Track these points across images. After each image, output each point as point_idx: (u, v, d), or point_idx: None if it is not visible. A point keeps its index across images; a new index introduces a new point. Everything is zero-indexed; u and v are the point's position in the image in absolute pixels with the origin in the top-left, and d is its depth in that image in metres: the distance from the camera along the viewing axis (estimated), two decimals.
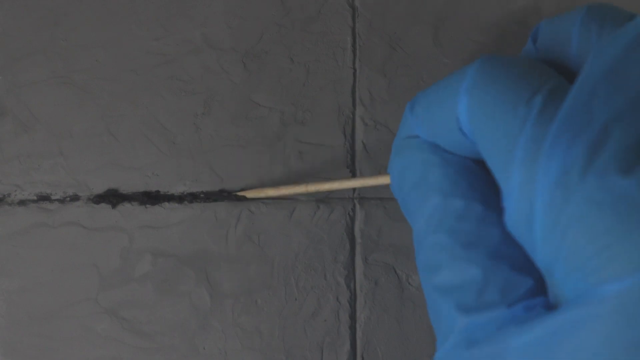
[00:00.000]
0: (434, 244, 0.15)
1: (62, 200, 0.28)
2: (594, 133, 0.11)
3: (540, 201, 0.12)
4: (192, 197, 0.28)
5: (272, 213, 0.27)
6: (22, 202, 0.28)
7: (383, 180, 0.21)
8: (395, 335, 0.26)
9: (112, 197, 0.28)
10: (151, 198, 0.28)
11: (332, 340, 0.26)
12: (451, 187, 0.16)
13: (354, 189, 0.27)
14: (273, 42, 0.29)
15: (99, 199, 0.28)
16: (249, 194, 0.27)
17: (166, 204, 0.27)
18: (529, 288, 0.13)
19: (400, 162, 0.18)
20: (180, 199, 0.28)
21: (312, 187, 0.24)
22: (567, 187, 0.11)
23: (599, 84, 0.12)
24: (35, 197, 0.28)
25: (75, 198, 0.28)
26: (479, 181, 0.16)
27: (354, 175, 0.28)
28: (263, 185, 0.27)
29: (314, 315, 0.27)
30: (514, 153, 0.13)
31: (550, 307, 0.13)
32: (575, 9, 0.16)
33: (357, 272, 0.27)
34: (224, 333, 0.26)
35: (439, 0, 0.29)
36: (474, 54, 0.28)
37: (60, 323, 0.27)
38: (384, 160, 0.28)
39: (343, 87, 0.28)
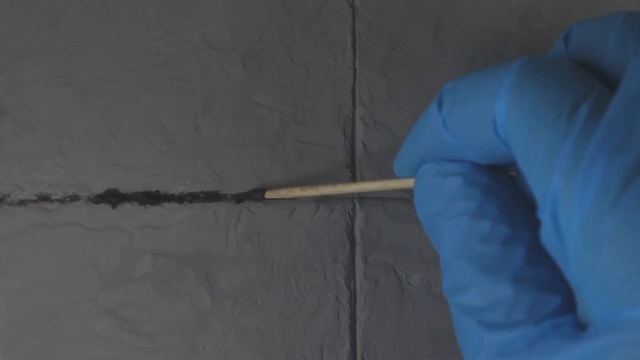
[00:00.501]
0: (459, 268, 0.15)
1: (62, 200, 0.28)
2: (634, 151, 0.11)
3: (576, 218, 0.12)
4: (192, 197, 0.28)
5: (272, 213, 0.27)
6: (22, 202, 0.28)
7: (408, 183, 0.21)
8: (395, 335, 0.26)
9: (112, 197, 0.28)
10: (151, 198, 0.28)
11: (332, 340, 0.26)
12: (478, 210, 0.15)
13: None
14: (273, 42, 0.29)
15: (99, 199, 0.28)
16: (270, 194, 0.27)
17: (166, 204, 0.27)
18: (556, 306, 0.13)
19: (422, 188, 0.18)
20: (180, 199, 0.28)
21: (341, 188, 0.24)
22: (604, 206, 0.11)
23: (639, 99, 0.12)
24: (35, 197, 0.28)
25: (75, 198, 0.28)
26: (504, 203, 0.16)
27: (353, 175, 0.28)
28: (263, 185, 0.27)
29: (314, 315, 0.27)
30: (554, 165, 0.12)
31: (579, 325, 0.13)
32: (612, 15, 0.15)
33: (357, 272, 0.27)
34: (224, 333, 0.26)
35: (439, 0, 0.29)
36: (474, 53, 0.28)
37: (60, 323, 0.27)
38: (384, 160, 0.28)
39: (343, 87, 0.28)
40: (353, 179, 0.28)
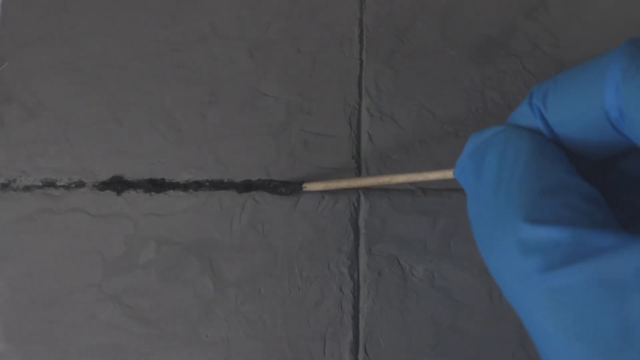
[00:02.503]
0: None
1: (67, 187, 0.28)
2: None
3: None
4: (197, 185, 0.28)
5: (277, 202, 0.27)
6: (27, 188, 0.28)
7: (449, 174, 0.21)
8: (398, 326, 0.26)
9: (118, 184, 0.28)
10: (156, 186, 0.28)
11: (335, 331, 0.26)
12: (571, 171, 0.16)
13: None
14: (280, 32, 0.29)
15: (104, 185, 0.28)
16: (310, 186, 0.27)
17: (171, 192, 0.28)
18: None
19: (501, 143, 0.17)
20: (185, 187, 0.28)
21: (384, 179, 0.24)
22: None
23: None
24: (40, 183, 0.28)
25: (80, 184, 0.28)
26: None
27: (358, 166, 0.28)
28: (268, 174, 0.28)
29: (317, 305, 0.27)
30: None
31: None
32: None
33: (361, 263, 0.27)
34: (227, 321, 0.26)
35: None
36: (480, 46, 0.28)
37: (63, 309, 0.27)
38: (390, 151, 0.28)
39: (349, 78, 0.28)
40: (358, 170, 0.28)
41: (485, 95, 0.28)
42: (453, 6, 0.29)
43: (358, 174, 0.28)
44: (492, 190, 0.16)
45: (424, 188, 0.27)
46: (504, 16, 0.29)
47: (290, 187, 0.27)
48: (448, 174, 0.21)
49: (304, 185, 0.27)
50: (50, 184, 0.28)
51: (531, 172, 0.15)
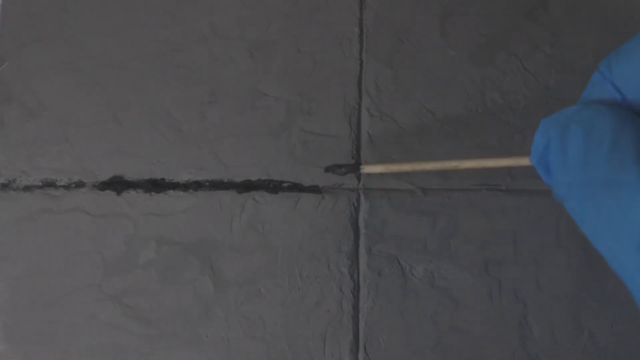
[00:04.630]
0: None
1: (67, 187, 0.28)
2: None
3: None
4: (197, 185, 0.28)
5: (277, 202, 0.27)
6: (27, 188, 0.28)
7: (522, 161, 0.22)
8: (398, 326, 0.26)
9: (118, 184, 0.28)
10: (156, 185, 0.28)
11: (335, 330, 0.26)
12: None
13: (358, 180, 0.27)
14: (280, 32, 0.29)
15: (104, 185, 0.28)
16: (368, 168, 0.26)
17: (171, 192, 0.28)
18: None
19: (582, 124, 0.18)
20: (185, 187, 0.28)
21: (451, 164, 0.24)
22: None
23: None
24: (40, 183, 0.28)
25: (80, 184, 0.28)
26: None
27: None
28: (268, 174, 0.27)
29: (317, 304, 0.27)
30: None
31: None
32: None
33: (361, 263, 0.27)
34: (227, 321, 0.26)
35: None
36: (480, 46, 0.28)
37: (63, 309, 0.27)
38: (390, 151, 0.28)
39: (349, 78, 0.28)
40: None
41: (485, 95, 0.28)
42: (453, 6, 0.29)
43: (358, 173, 0.28)
44: (582, 167, 0.17)
45: (424, 188, 0.27)
46: (504, 16, 0.29)
47: (347, 168, 0.26)
48: (522, 161, 0.22)
49: (362, 166, 0.26)
50: (50, 184, 0.28)
51: (627, 139, 0.17)
